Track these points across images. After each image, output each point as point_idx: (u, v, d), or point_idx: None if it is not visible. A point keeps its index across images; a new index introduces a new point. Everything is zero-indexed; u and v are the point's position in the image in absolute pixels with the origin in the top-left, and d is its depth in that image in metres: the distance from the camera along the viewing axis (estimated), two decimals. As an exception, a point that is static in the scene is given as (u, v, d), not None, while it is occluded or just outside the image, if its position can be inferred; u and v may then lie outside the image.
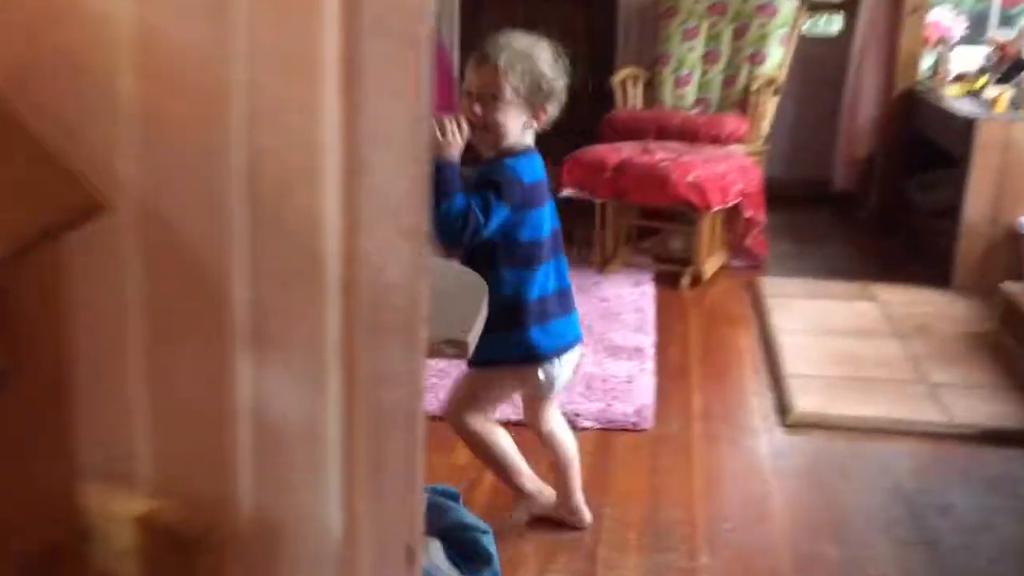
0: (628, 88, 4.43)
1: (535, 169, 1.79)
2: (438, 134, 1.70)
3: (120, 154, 0.71)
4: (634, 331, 3.13)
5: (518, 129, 1.77)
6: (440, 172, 1.69)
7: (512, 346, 1.79)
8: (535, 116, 1.78)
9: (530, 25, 2.04)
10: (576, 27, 5.17)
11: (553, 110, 1.79)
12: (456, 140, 1.72)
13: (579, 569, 1.92)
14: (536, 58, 1.76)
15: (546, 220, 1.82)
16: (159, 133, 0.71)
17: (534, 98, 1.75)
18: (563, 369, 1.85)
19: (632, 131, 4.09)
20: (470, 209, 1.69)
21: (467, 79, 1.79)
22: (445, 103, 5.00)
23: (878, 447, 2.42)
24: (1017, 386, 2.73)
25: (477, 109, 1.75)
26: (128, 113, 0.71)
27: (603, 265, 3.78)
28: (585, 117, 5.18)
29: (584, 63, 4.87)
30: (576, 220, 3.57)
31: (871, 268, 3.89)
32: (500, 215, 1.72)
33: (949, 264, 3.61)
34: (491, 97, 1.74)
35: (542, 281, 1.80)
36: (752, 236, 3.85)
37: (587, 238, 3.86)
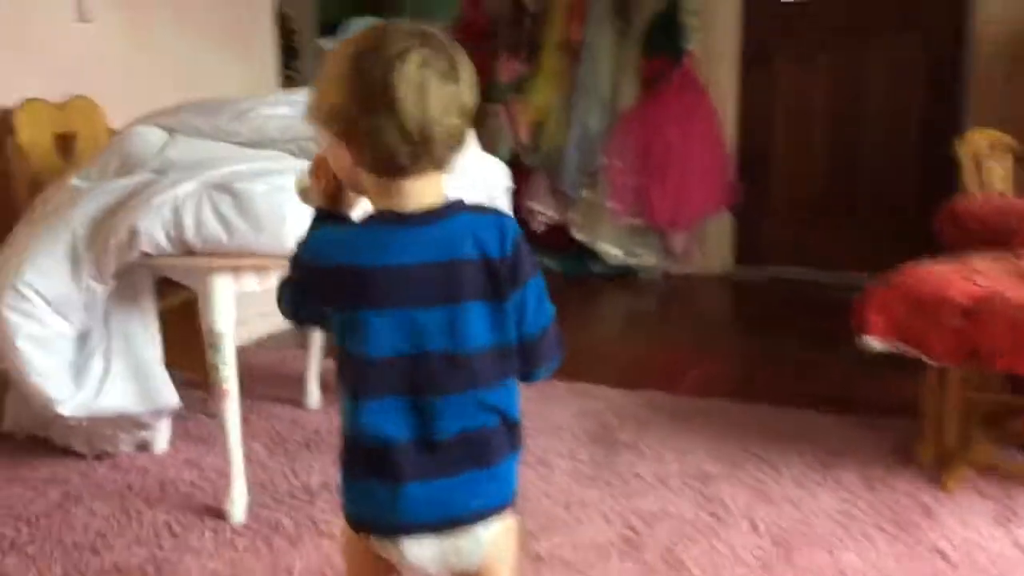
0: (984, 162, 2.79)
1: (331, 249, 1.11)
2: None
3: None
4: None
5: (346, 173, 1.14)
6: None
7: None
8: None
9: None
10: (903, 64, 3.61)
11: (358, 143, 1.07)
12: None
13: None
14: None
15: (386, 333, 1.10)
16: None
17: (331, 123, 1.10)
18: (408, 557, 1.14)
19: (993, 235, 2.47)
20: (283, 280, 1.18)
21: None
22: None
23: None
24: None
25: None
26: None
27: (939, 470, 2.15)
28: (909, 206, 3.59)
29: (912, 118, 3.34)
30: (885, 377, 2.38)
31: None
32: (292, 300, 1.17)
33: None
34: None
35: (373, 420, 1.11)
36: None
37: (908, 413, 2.27)
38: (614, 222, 4.16)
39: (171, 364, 2.27)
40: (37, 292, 1.98)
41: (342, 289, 1.10)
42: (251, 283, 2.03)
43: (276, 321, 3.37)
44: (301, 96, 2.24)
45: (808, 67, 4.02)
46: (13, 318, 1.97)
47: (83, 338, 2.10)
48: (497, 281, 1.10)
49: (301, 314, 1.18)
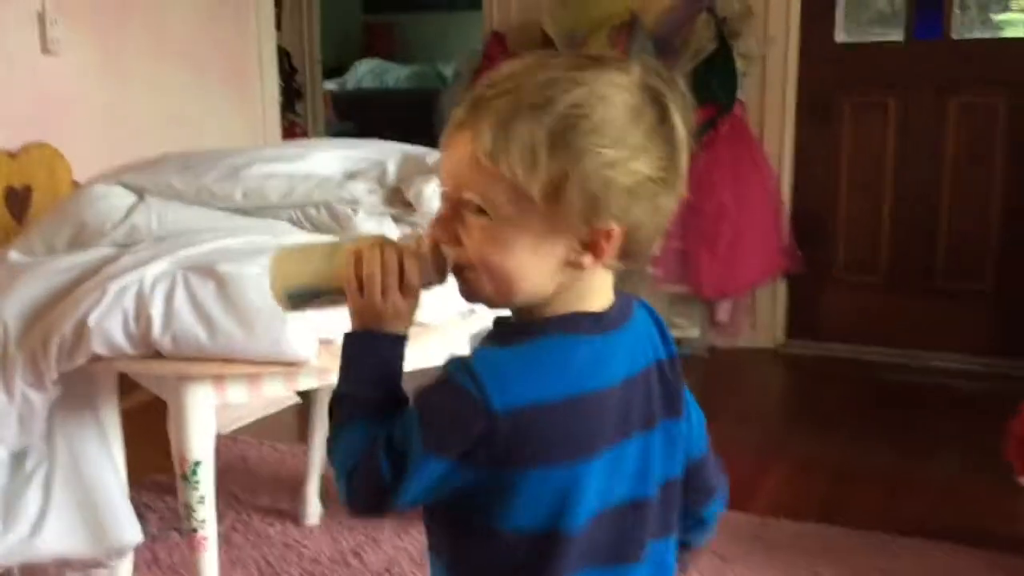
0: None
1: (560, 374, 0.82)
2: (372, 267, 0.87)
3: None
4: None
5: (546, 271, 0.81)
6: (363, 349, 0.89)
7: None
8: (590, 242, 0.81)
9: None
10: (983, 116, 3.20)
11: (639, 222, 0.82)
12: (387, 290, 0.87)
13: None
14: (580, 118, 0.78)
15: (586, 492, 0.83)
16: None
17: (581, 203, 0.79)
18: None
19: None
20: (372, 454, 0.83)
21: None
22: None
23: None
24: None
25: (436, 228, 0.86)
26: None
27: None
28: (992, 274, 3.16)
29: (995, 177, 3.33)
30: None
31: None
32: (425, 472, 0.81)
33: None
34: (473, 208, 0.81)
35: None
36: None
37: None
38: (654, 289, 3.69)
39: (137, 464, 1.79)
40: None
41: (561, 438, 0.82)
42: (239, 393, 1.56)
43: (272, 399, 2.87)
44: (315, 147, 1.77)
45: (874, 118, 3.58)
46: (-80, 439, 1.49)
47: (16, 461, 1.62)
48: (671, 391, 0.91)
49: (403, 501, 0.84)
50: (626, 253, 0.84)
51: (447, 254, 0.85)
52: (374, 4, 8.11)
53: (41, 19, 2.31)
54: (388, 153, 1.77)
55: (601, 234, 0.81)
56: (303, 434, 2.43)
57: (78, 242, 1.65)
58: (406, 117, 5.49)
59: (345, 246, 0.89)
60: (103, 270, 1.54)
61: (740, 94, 3.62)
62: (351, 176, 1.73)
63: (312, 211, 1.65)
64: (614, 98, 0.80)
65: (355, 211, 1.63)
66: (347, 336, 0.90)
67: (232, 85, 2.93)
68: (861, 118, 3.62)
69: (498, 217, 0.81)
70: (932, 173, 3.51)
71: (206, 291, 1.47)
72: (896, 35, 3.60)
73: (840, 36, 3.64)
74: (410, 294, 0.87)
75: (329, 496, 2.32)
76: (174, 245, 1.55)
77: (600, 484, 0.84)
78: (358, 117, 6.08)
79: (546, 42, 3.83)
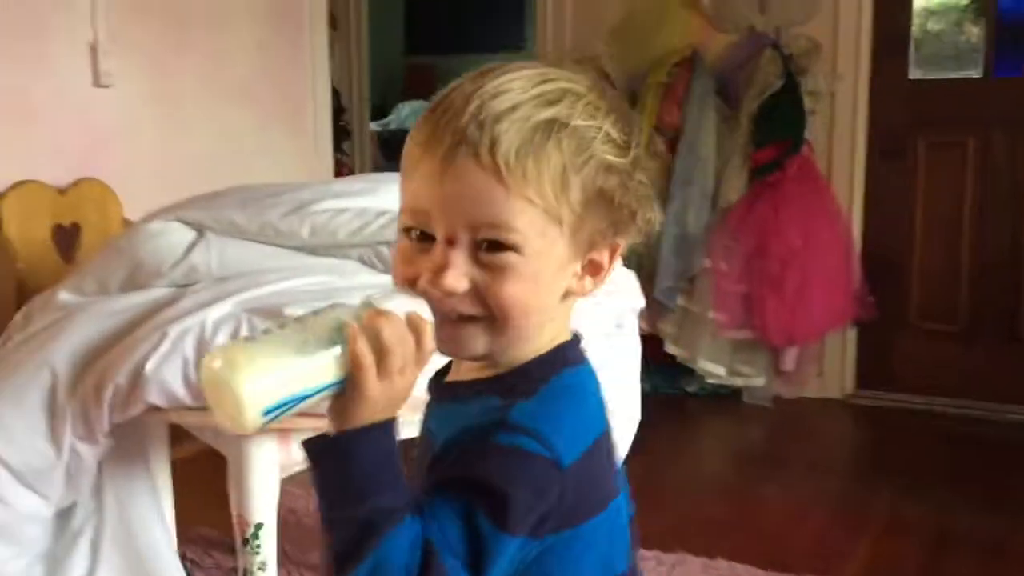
0: None
1: (590, 410, 0.79)
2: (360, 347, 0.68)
3: None
4: None
5: (552, 307, 0.77)
6: (381, 448, 0.70)
7: None
8: (591, 263, 0.79)
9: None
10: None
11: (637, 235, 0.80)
12: (403, 353, 0.70)
13: None
14: (595, 128, 0.75)
15: (624, 529, 0.83)
16: None
17: (610, 218, 0.77)
18: None
19: None
20: (428, 564, 0.68)
21: (410, 198, 0.75)
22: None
23: None
24: None
25: (453, 279, 0.73)
26: None
27: None
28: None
29: None
30: None
31: None
32: (504, 558, 0.71)
33: None
34: (493, 244, 0.73)
35: None
36: None
37: None
38: (716, 335, 3.53)
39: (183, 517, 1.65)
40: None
41: (602, 479, 0.79)
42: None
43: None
44: (383, 182, 1.66)
45: (951, 158, 3.43)
46: (-40, 496, 1.36)
47: (63, 518, 1.49)
48: None
49: None
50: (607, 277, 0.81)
51: (447, 307, 0.73)
52: (415, 45, 8.11)
53: (94, 50, 2.23)
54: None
55: (608, 250, 0.78)
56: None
57: (133, 282, 1.53)
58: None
59: (345, 324, 0.70)
60: (161, 313, 1.42)
61: (808, 133, 3.48)
62: (425, 213, 1.61)
63: (384, 250, 1.52)
64: (603, 106, 0.77)
65: (432, 250, 1.49)
66: (351, 438, 0.70)
67: (286, 121, 2.84)
68: (937, 158, 3.46)
69: (526, 252, 0.73)
70: (1014, 216, 3.34)
71: (272, 337, 1.34)
72: (974, 71, 3.45)
73: (913, 73, 3.50)
74: (423, 365, 0.73)
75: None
76: (237, 286, 1.43)
77: (624, 517, 0.83)
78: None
79: (604, 79, 3.72)
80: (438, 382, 0.83)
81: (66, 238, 2.07)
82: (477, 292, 0.73)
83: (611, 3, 3.84)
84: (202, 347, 1.34)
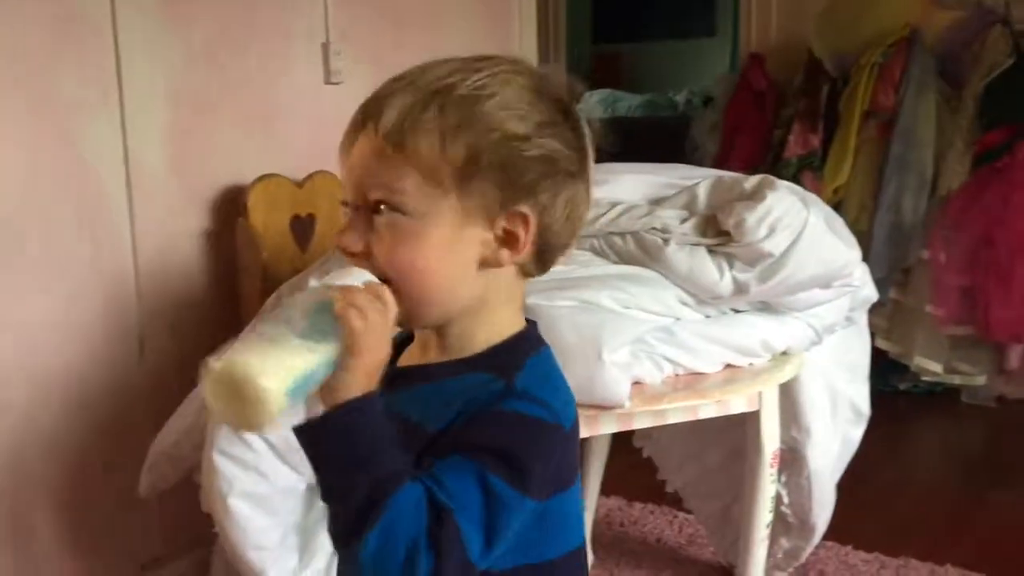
0: None
1: (566, 383, 0.84)
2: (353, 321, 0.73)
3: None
4: None
5: (462, 273, 0.80)
6: (376, 412, 0.74)
7: None
8: (506, 234, 0.80)
9: None
10: None
11: (552, 212, 0.81)
12: (372, 328, 0.74)
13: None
14: (485, 97, 0.79)
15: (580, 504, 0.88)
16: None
17: (495, 180, 0.79)
18: None
19: None
20: (441, 523, 0.70)
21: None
22: None
23: None
24: None
25: (348, 238, 0.80)
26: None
27: None
28: None
29: None
30: None
31: None
32: (511, 528, 0.75)
33: None
34: (381, 207, 0.79)
35: None
36: None
37: None
38: (933, 330, 3.34)
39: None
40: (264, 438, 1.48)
41: (575, 451, 0.85)
42: (540, 435, 1.45)
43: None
44: (615, 172, 1.66)
45: None
46: (227, 468, 1.47)
47: (314, 492, 1.58)
48: None
49: (489, 562, 0.75)
50: (540, 253, 0.82)
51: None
52: (603, 34, 8.08)
53: (325, 50, 2.34)
54: (696, 178, 1.63)
55: (517, 219, 0.79)
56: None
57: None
58: (644, 144, 5.38)
59: (329, 304, 0.73)
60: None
61: (1041, 114, 3.23)
62: (656, 202, 1.60)
63: (617, 240, 1.53)
64: (516, 81, 0.80)
65: (666, 241, 1.49)
66: (351, 410, 0.73)
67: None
68: None
69: (409, 211, 0.78)
70: None
71: (514, 325, 1.38)
72: None
73: None
74: (391, 328, 0.78)
75: (600, 544, 2.19)
76: (477, 275, 1.47)
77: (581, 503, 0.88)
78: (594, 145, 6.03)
79: (811, 63, 3.59)
80: (404, 368, 0.86)
81: (302, 228, 2.19)
82: (372, 254, 0.79)
83: (820, -16, 3.70)
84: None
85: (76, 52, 1.81)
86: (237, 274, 2.11)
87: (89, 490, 1.90)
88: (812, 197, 1.58)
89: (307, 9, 2.28)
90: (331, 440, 0.72)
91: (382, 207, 0.78)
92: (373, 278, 0.79)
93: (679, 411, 1.48)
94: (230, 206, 2.10)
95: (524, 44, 2.99)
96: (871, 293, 1.76)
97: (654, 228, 1.51)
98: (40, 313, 1.79)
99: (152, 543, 2.02)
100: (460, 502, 0.71)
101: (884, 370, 3.53)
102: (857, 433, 1.84)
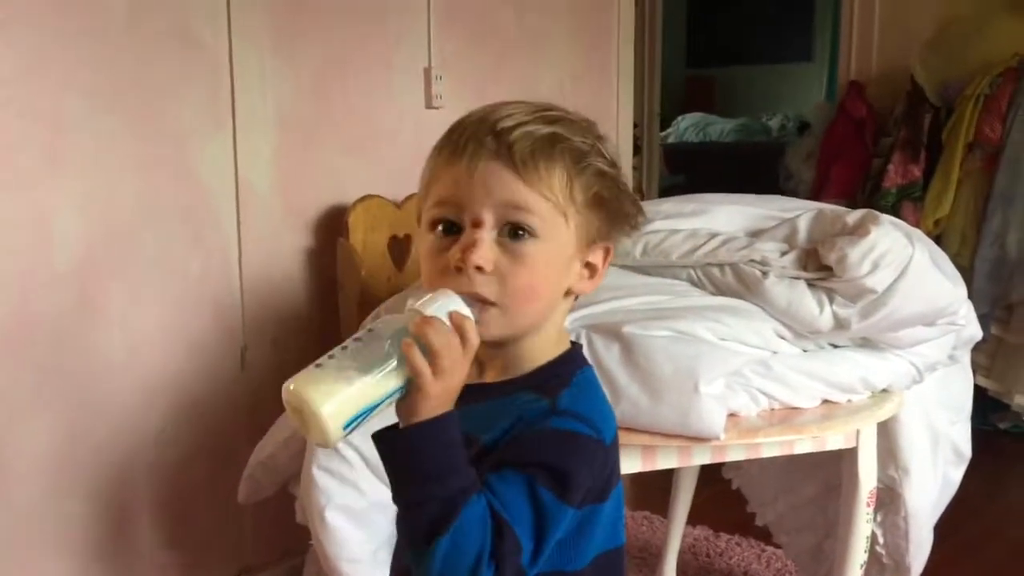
0: None
1: (608, 401, 0.93)
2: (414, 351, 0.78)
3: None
4: None
5: (558, 295, 0.89)
6: (444, 437, 0.80)
7: None
8: (590, 263, 0.91)
9: None
10: None
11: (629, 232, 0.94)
12: (451, 354, 0.79)
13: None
14: (581, 133, 0.88)
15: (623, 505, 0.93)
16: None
17: (603, 219, 0.90)
18: None
19: None
20: (503, 536, 0.77)
21: (440, 193, 0.87)
22: None
23: None
24: None
25: (481, 254, 0.83)
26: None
27: None
28: None
29: None
30: None
31: None
32: (557, 535, 0.82)
33: None
34: (514, 230, 0.84)
35: None
36: None
37: None
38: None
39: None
40: (356, 449, 1.51)
41: (615, 466, 0.90)
42: (632, 463, 1.45)
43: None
44: (714, 203, 1.66)
45: None
46: (325, 482, 1.51)
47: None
48: None
49: (533, 567, 0.81)
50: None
51: (470, 293, 0.83)
52: (696, 58, 8.04)
53: (427, 75, 2.39)
54: (795, 210, 1.62)
55: (601, 251, 0.90)
56: (634, 499, 2.31)
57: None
58: (736, 170, 5.32)
59: (397, 335, 0.79)
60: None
61: None
62: (754, 234, 1.60)
63: (715, 272, 1.53)
64: (591, 130, 0.90)
65: (765, 274, 1.48)
66: (419, 432, 0.79)
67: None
68: None
69: (541, 236, 0.84)
70: None
71: (610, 354, 1.39)
72: None
73: None
74: (471, 357, 0.82)
75: (685, 574, 2.17)
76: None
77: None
78: (685, 170, 5.99)
79: (914, 91, 3.52)
80: (470, 386, 0.88)
81: (399, 248, 2.25)
82: (499, 274, 0.83)
83: (923, 12, 3.62)
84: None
85: (196, 84, 1.90)
86: (337, 291, 2.17)
87: (189, 496, 1.97)
88: (917, 233, 1.54)
89: (411, 37, 2.34)
90: (403, 456, 0.79)
91: (520, 231, 0.84)
92: (461, 304, 0.82)
93: (774, 446, 1.46)
94: (332, 225, 2.16)
95: (622, 68, 3.01)
96: (976, 331, 1.71)
97: (753, 260, 1.50)
98: (152, 321, 1.88)
99: (246, 551, 2.08)
100: (514, 514, 0.78)
101: (984, 408, 3.41)
102: (957, 474, 1.79)
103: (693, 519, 2.24)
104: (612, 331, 1.40)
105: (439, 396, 0.79)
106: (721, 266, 1.52)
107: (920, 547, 1.74)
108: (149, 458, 1.90)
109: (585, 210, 0.87)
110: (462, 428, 0.86)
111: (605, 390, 1.34)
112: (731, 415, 1.40)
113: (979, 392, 3.32)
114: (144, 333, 1.87)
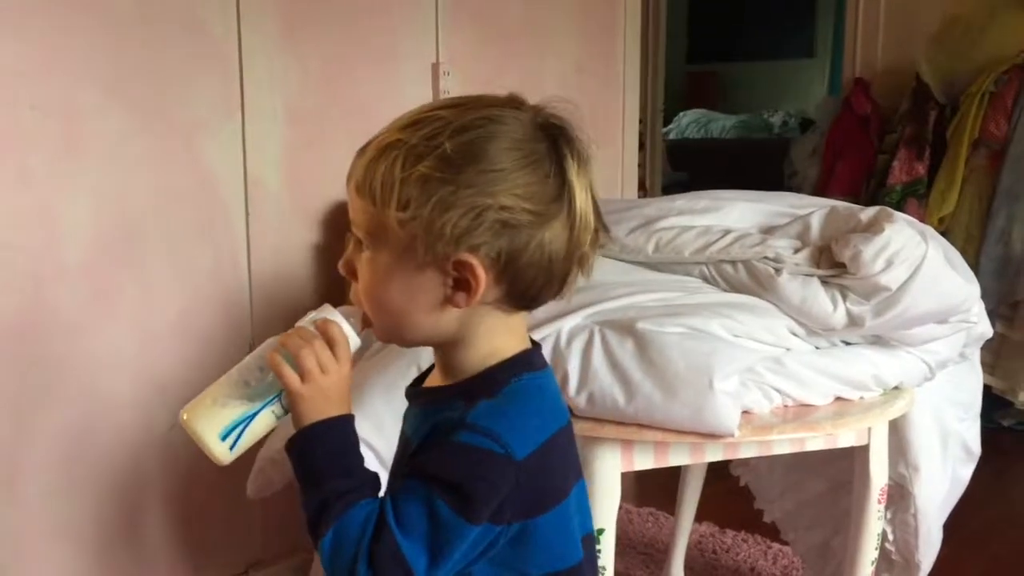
0: None
1: (547, 410, 0.88)
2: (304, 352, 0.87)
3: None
4: None
5: (427, 310, 0.86)
6: (326, 442, 0.86)
7: None
8: (457, 278, 0.84)
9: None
10: None
11: (510, 255, 0.83)
12: (311, 354, 0.86)
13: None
14: (418, 144, 0.83)
15: (575, 522, 0.90)
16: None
17: (435, 244, 0.82)
18: None
19: None
20: (384, 543, 0.80)
21: None
22: None
23: None
24: None
25: (340, 263, 0.93)
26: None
27: None
28: None
29: None
30: None
31: None
32: (462, 545, 0.81)
33: None
34: (359, 243, 0.88)
35: None
36: None
37: None
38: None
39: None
40: (371, 447, 1.51)
41: (560, 474, 0.88)
42: (645, 460, 1.45)
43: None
44: (726, 200, 1.66)
45: None
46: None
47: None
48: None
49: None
50: (512, 292, 0.85)
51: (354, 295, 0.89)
52: (697, 54, 8.04)
53: (435, 70, 2.39)
54: (807, 207, 1.62)
55: (465, 268, 0.82)
56: (640, 495, 2.31)
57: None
58: (738, 167, 5.32)
59: (269, 348, 0.90)
60: (515, 320, 1.50)
61: None
62: (767, 231, 1.60)
63: (728, 268, 1.53)
64: (491, 128, 0.84)
65: (778, 271, 1.48)
66: (301, 436, 0.86)
67: (596, 135, 2.91)
68: None
69: (373, 248, 0.86)
70: None
71: (624, 350, 1.38)
72: None
73: None
74: (344, 361, 0.87)
75: (692, 570, 2.18)
76: (587, 299, 1.48)
77: (577, 514, 0.90)
78: (687, 167, 5.99)
79: (919, 88, 3.52)
80: (415, 388, 0.96)
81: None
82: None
83: (928, 8, 3.62)
84: (557, 356, 1.41)
85: (206, 77, 1.89)
86: (344, 286, 2.17)
87: (199, 490, 1.97)
88: (930, 230, 1.54)
89: (418, 32, 2.34)
90: (292, 460, 0.87)
91: (360, 242, 0.88)
92: (335, 314, 0.90)
93: (786, 442, 1.46)
94: (340, 221, 2.16)
95: (628, 63, 3.00)
96: (986, 329, 1.71)
97: (766, 257, 1.50)
98: (162, 316, 1.87)
99: (255, 546, 2.08)
100: (406, 523, 0.80)
101: (987, 406, 3.41)
102: (967, 472, 1.80)
103: (699, 515, 2.24)
104: (626, 327, 1.40)
105: (313, 397, 0.85)
106: (734, 263, 1.52)
107: (930, 544, 1.74)
108: (159, 452, 1.90)
109: (411, 219, 0.82)
110: (405, 429, 0.94)
111: (618, 386, 1.35)
112: (744, 412, 1.40)
113: (983, 389, 3.33)
114: (155, 329, 1.87)
